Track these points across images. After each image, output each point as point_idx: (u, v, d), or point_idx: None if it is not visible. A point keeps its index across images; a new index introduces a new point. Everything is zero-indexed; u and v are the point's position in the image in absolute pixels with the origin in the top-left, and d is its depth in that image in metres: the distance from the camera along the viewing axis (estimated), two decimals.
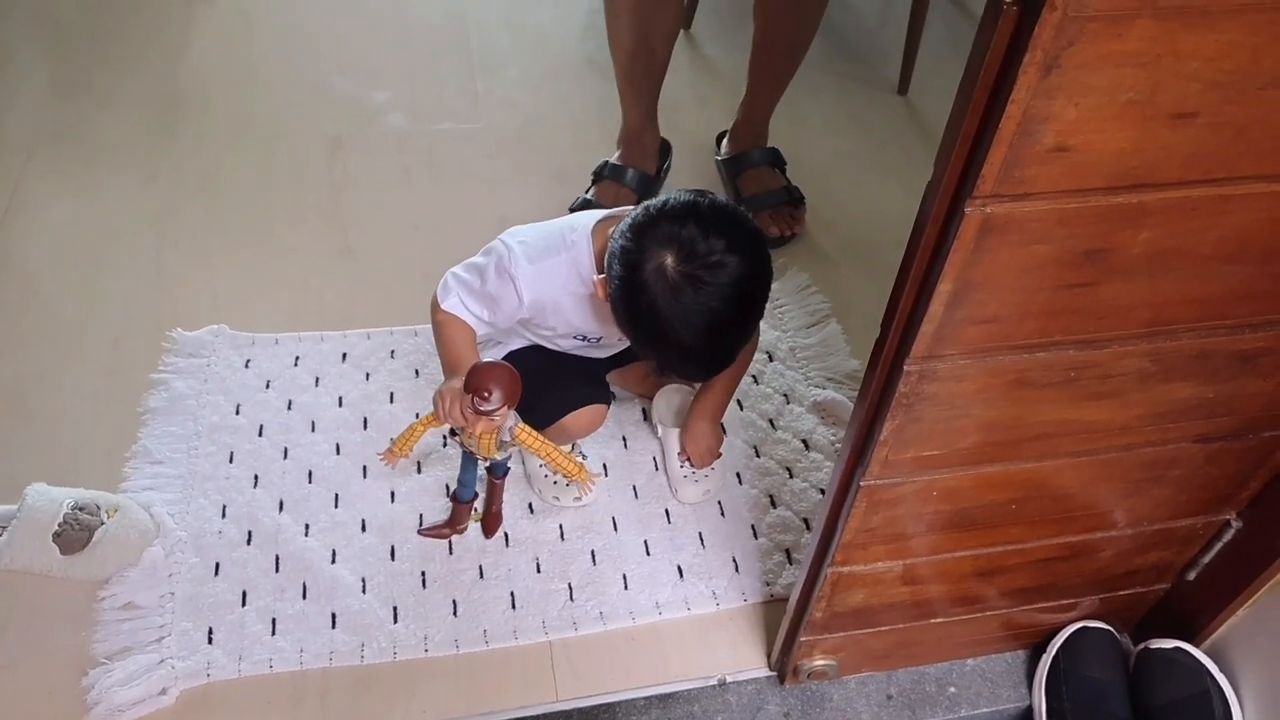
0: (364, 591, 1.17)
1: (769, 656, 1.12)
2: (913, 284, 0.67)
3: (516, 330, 1.21)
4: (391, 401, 1.39)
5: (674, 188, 1.01)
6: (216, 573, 1.17)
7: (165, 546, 1.19)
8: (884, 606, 0.99)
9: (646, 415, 1.39)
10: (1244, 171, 0.60)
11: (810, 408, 1.41)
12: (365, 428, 1.35)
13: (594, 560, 1.22)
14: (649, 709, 1.08)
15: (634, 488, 1.30)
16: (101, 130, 1.85)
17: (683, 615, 1.17)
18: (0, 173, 1.73)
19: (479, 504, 1.25)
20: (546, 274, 1.07)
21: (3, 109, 1.89)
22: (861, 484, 0.80)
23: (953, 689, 1.11)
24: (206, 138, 1.85)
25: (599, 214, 1.09)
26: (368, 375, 1.42)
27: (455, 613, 1.15)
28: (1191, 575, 1.03)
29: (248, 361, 1.43)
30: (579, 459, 1.30)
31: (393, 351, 1.46)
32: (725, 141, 1.80)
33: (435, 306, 1.12)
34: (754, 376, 1.45)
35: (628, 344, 1.17)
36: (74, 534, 1.13)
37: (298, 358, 1.44)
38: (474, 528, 1.24)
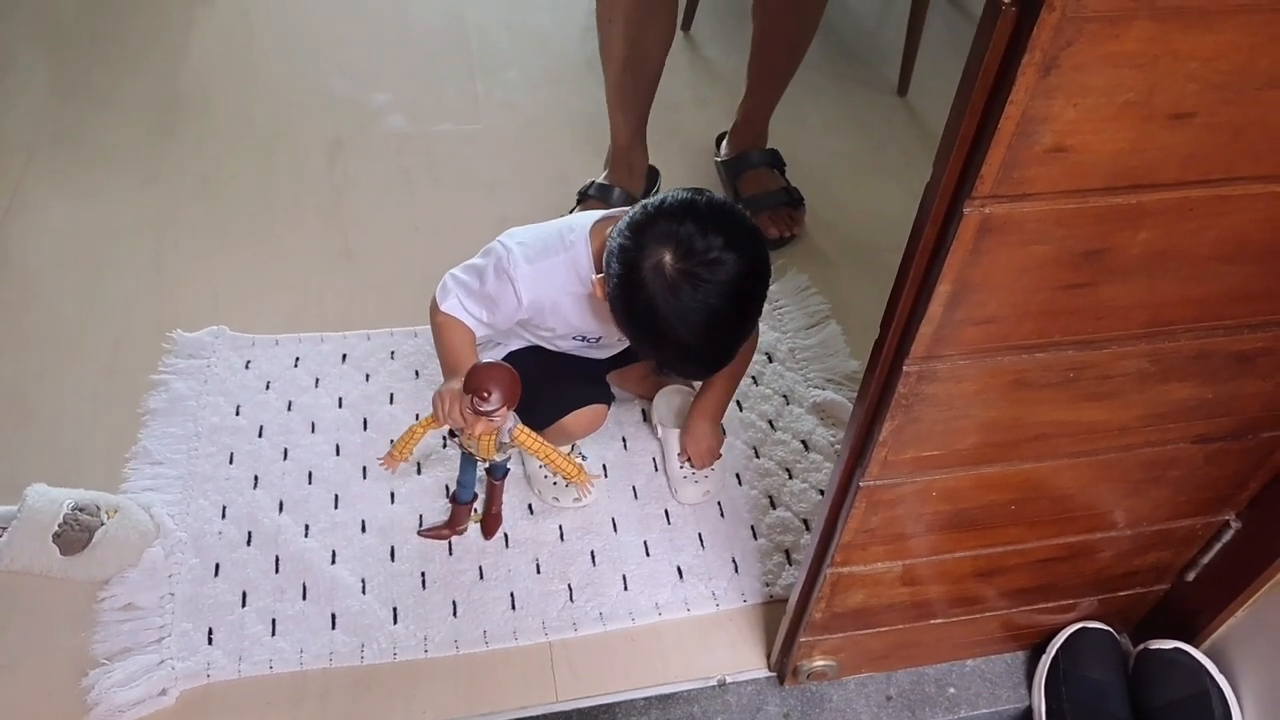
0: (364, 592, 1.17)
1: (769, 657, 1.12)
2: (912, 285, 0.67)
3: (516, 331, 1.21)
4: (391, 402, 1.39)
5: (673, 187, 1.01)
6: (216, 573, 1.17)
7: (165, 547, 1.19)
8: (883, 607, 0.99)
9: (646, 416, 1.39)
10: (1242, 172, 0.61)
11: (810, 409, 1.41)
12: (365, 429, 1.35)
13: (594, 561, 1.22)
14: (649, 710, 1.08)
15: (634, 488, 1.30)
16: (102, 132, 1.85)
17: (682, 616, 1.17)
18: (0, 174, 1.73)
19: (478, 505, 1.25)
20: (545, 274, 1.07)
21: (3, 110, 1.89)
22: (861, 484, 0.81)
23: (952, 690, 1.12)
24: (207, 139, 1.85)
25: (597, 214, 1.09)
26: (368, 376, 1.42)
27: (455, 613, 1.15)
28: (1191, 576, 1.03)
29: (248, 362, 1.43)
30: (578, 460, 1.30)
31: (393, 352, 1.46)
32: (725, 143, 1.80)
33: (434, 308, 1.12)
34: (753, 377, 1.45)
35: (627, 344, 1.17)
36: (74, 535, 1.13)
37: (298, 359, 1.44)
38: (473, 529, 1.24)
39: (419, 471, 1.30)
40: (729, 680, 1.11)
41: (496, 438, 1.05)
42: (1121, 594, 1.07)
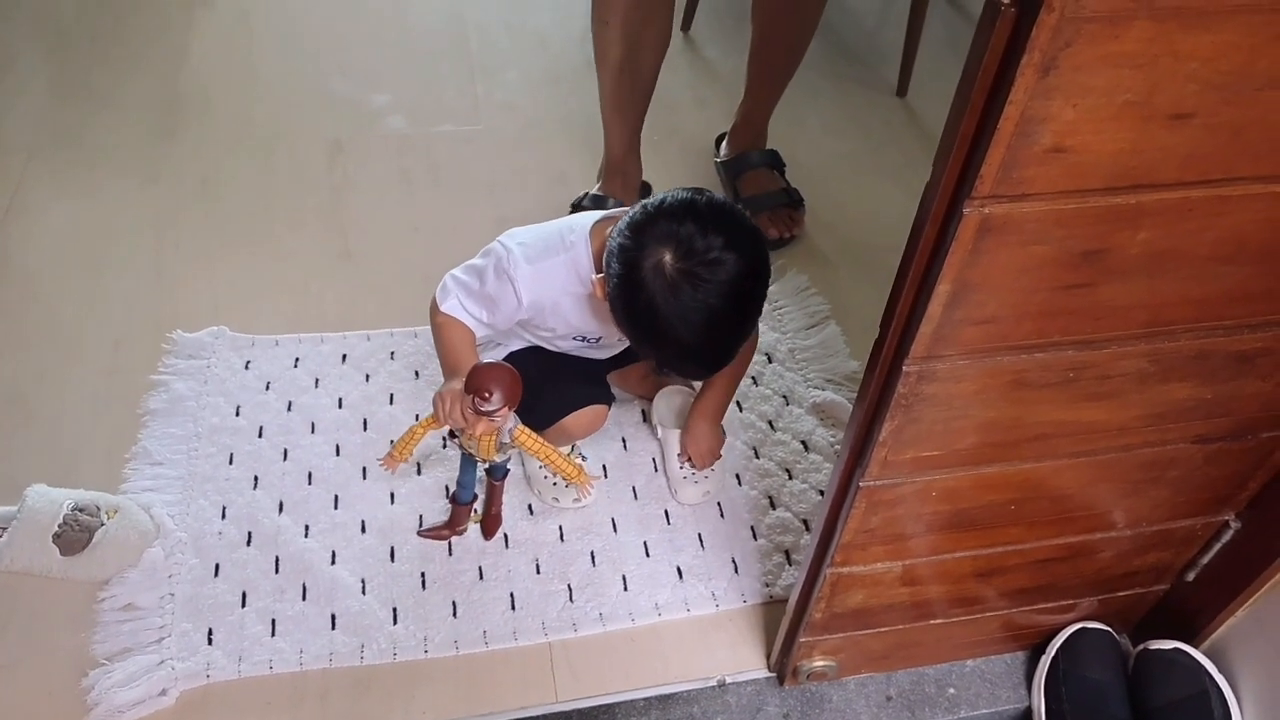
0: (364, 593, 1.17)
1: (768, 657, 1.12)
2: (911, 285, 0.67)
3: (516, 332, 1.21)
4: (391, 403, 1.39)
5: (672, 187, 1.01)
6: (216, 574, 1.17)
7: (165, 547, 1.19)
8: (883, 607, 0.99)
9: (646, 416, 1.39)
10: (1241, 172, 0.61)
11: (809, 409, 1.41)
12: (365, 429, 1.35)
13: (593, 561, 1.22)
14: (648, 710, 1.08)
15: (633, 489, 1.30)
16: (102, 133, 1.85)
17: (682, 616, 1.17)
18: (0, 175, 1.73)
19: (478, 505, 1.25)
20: (545, 274, 1.07)
21: (3, 111, 1.89)
22: (861, 485, 0.81)
23: (952, 690, 1.12)
24: (207, 140, 1.86)
25: (597, 214, 1.09)
26: (367, 377, 1.42)
27: (455, 614, 1.15)
28: (1190, 576, 1.03)
29: (248, 363, 1.43)
30: (578, 461, 1.30)
31: (392, 353, 1.46)
32: (724, 143, 1.80)
33: (434, 309, 1.12)
34: (753, 378, 1.45)
35: (627, 344, 1.17)
36: (74, 535, 1.13)
37: (297, 359, 1.44)
38: (473, 529, 1.24)
39: (419, 472, 1.31)
40: (729, 680, 1.11)
41: (497, 438, 1.05)
42: (1121, 594, 1.07)
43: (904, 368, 0.70)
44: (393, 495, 1.27)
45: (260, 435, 1.33)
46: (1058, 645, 1.09)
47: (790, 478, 1.33)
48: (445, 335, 1.11)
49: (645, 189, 1.71)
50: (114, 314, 1.49)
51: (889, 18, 2.37)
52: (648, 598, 1.18)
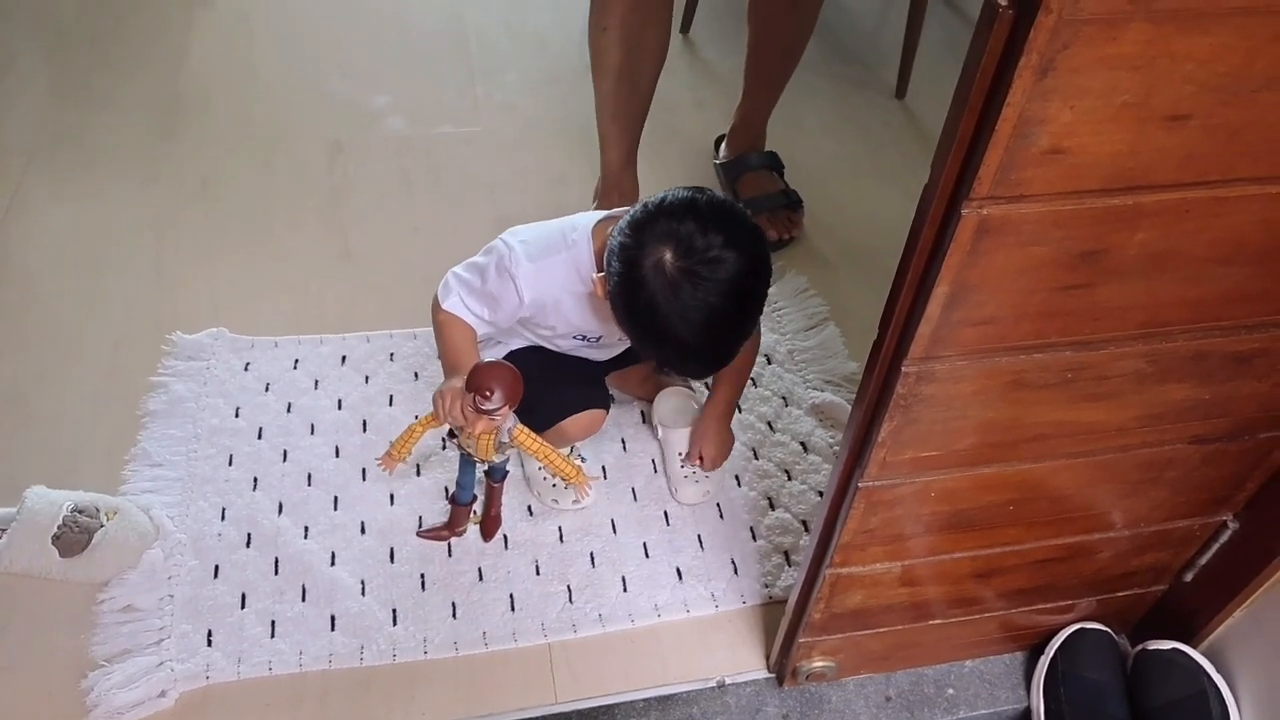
0: (363, 594, 1.17)
1: (768, 658, 1.13)
2: (910, 286, 0.67)
3: (517, 330, 1.21)
4: (391, 404, 1.39)
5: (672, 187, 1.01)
6: (216, 575, 1.17)
7: (164, 549, 1.19)
8: (882, 608, 0.99)
9: (645, 418, 1.39)
10: (1238, 173, 0.61)
11: (808, 410, 1.41)
12: (364, 430, 1.35)
13: (593, 562, 1.22)
14: (648, 711, 1.08)
15: (633, 490, 1.30)
16: (102, 133, 1.85)
17: (681, 617, 1.17)
18: (1, 175, 1.73)
19: (478, 507, 1.25)
20: (547, 273, 1.07)
21: (3, 112, 1.89)
22: (860, 485, 0.81)
23: (951, 690, 1.12)
24: (206, 141, 1.86)
25: (600, 214, 1.09)
26: (367, 378, 1.43)
27: (454, 615, 1.16)
28: (1189, 576, 1.03)
29: (247, 364, 1.43)
30: (577, 462, 1.30)
31: (392, 354, 1.46)
32: (723, 145, 1.80)
33: (436, 306, 1.13)
34: (752, 380, 1.45)
35: (628, 345, 1.17)
36: (73, 536, 1.13)
37: (297, 360, 1.44)
38: (473, 531, 1.24)
39: (418, 473, 1.31)
40: (728, 681, 1.11)
41: (496, 437, 1.06)
42: (1120, 595, 1.07)
43: (903, 368, 0.70)
44: (392, 497, 1.27)
45: (260, 437, 1.33)
46: (1056, 646, 1.09)
47: (789, 479, 1.33)
48: (446, 333, 1.12)
49: None
50: (114, 315, 1.49)
51: (888, 19, 2.37)
52: (647, 599, 1.18)
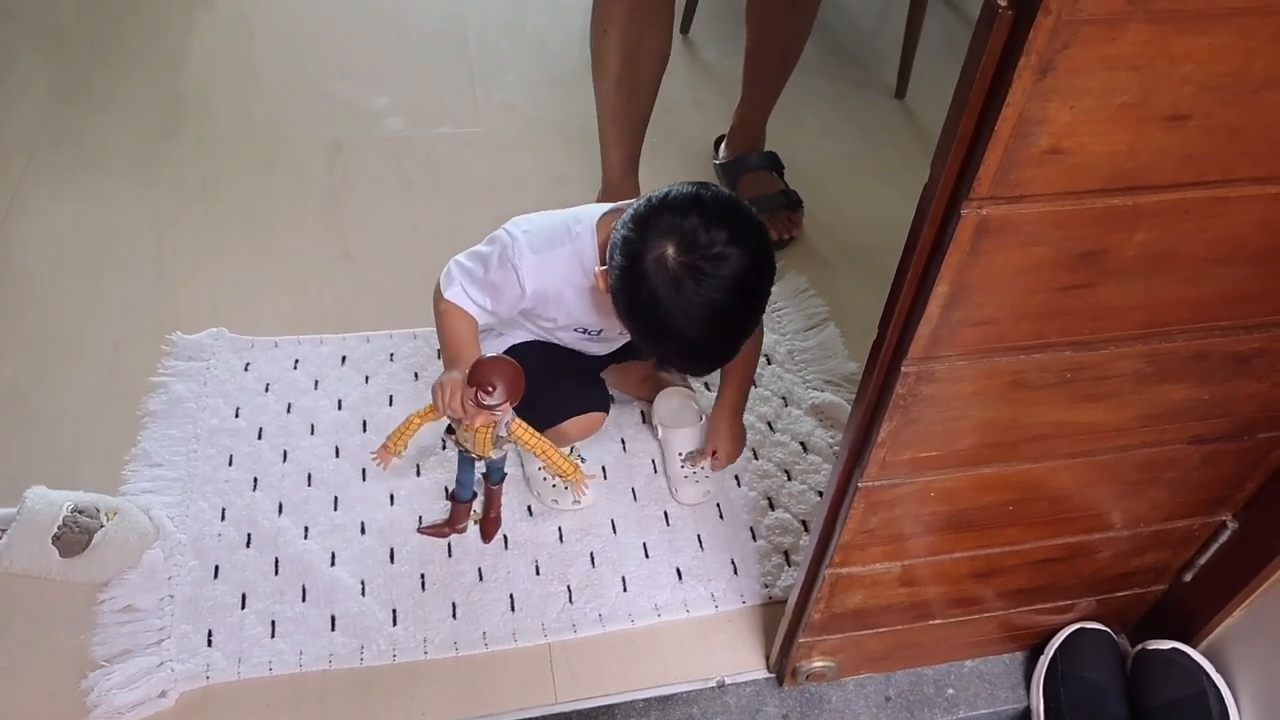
0: (363, 594, 1.17)
1: (768, 658, 1.13)
2: (910, 286, 0.67)
3: (518, 320, 1.20)
4: (391, 404, 1.39)
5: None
6: (216, 575, 1.17)
7: (165, 549, 1.19)
8: (882, 608, 0.99)
9: (645, 418, 1.39)
10: (1238, 174, 0.61)
11: (808, 410, 1.41)
12: (364, 430, 1.35)
13: (593, 563, 1.22)
14: (648, 711, 1.08)
15: (633, 490, 1.30)
16: (102, 134, 1.85)
17: (681, 617, 1.17)
18: (1, 176, 1.73)
19: (478, 505, 1.25)
20: (550, 265, 1.07)
21: (3, 113, 1.89)
22: (859, 485, 0.81)
23: (951, 690, 1.12)
24: (206, 142, 1.86)
25: (605, 206, 1.08)
26: (367, 378, 1.43)
27: (454, 615, 1.16)
28: (1188, 576, 1.04)
29: (247, 365, 1.43)
30: (576, 461, 1.30)
31: (392, 355, 1.46)
32: (723, 146, 1.80)
33: (438, 295, 1.12)
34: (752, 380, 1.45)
35: (628, 338, 1.17)
36: (73, 537, 1.13)
37: (297, 361, 1.44)
38: (473, 530, 1.24)
39: (418, 473, 1.31)
40: (728, 681, 1.11)
41: (494, 431, 1.05)
42: (1119, 594, 1.07)
43: (902, 369, 0.70)
44: (392, 497, 1.27)
45: (260, 437, 1.33)
46: (1056, 645, 1.09)
47: (789, 479, 1.33)
48: (448, 323, 1.11)
49: None
50: (114, 315, 1.49)
51: (887, 20, 2.37)
52: (647, 599, 1.18)
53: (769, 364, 1.48)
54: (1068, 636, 1.09)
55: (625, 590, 1.19)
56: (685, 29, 2.20)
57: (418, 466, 1.31)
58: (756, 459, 1.35)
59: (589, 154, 1.77)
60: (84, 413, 1.35)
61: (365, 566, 1.20)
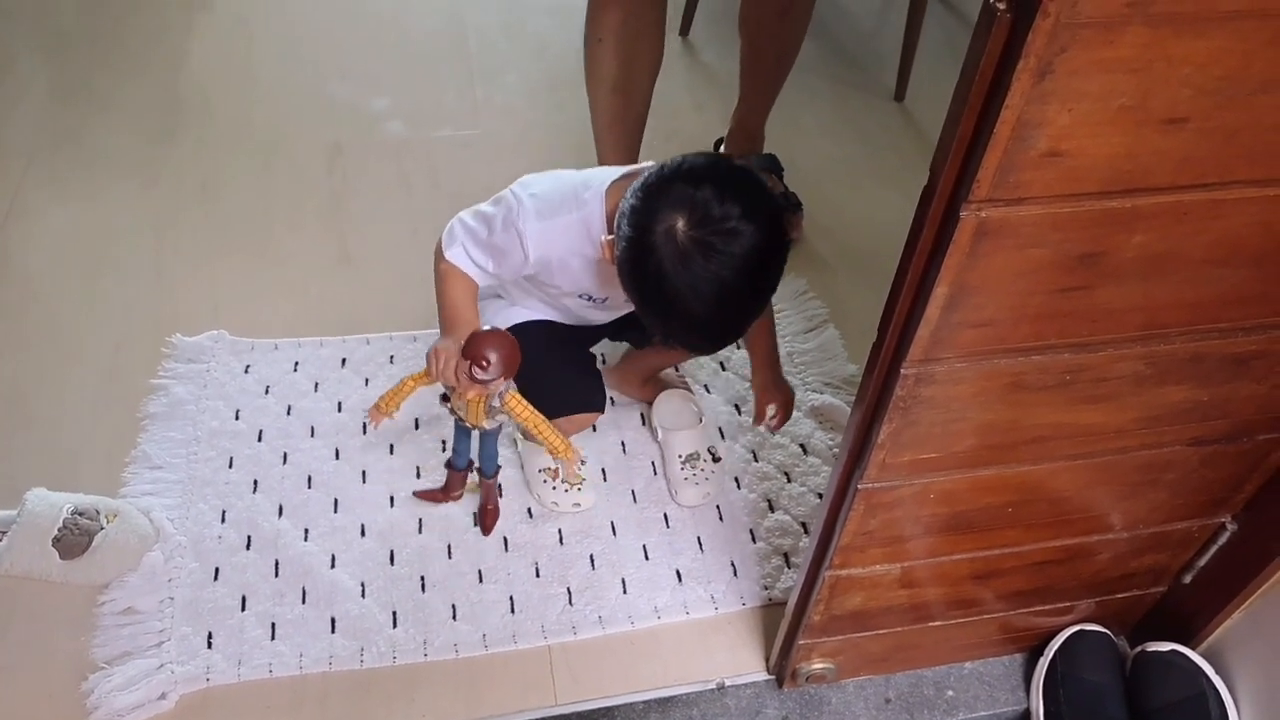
0: (363, 596, 1.17)
1: (767, 660, 1.13)
2: (909, 287, 0.67)
3: (521, 284, 1.17)
4: None
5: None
6: (216, 577, 1.17)
7: (165, 551, 1.19)
8: (882, 609, 0.99)
9: (645, 420, 1.40)
10: (1235, 176, 0.61)
11: (808, 412, 1.41)
12: (364, 433, 1.35)
13: (593, 565, 1.22)
14: (648, 713, 1.08)
15: (633, 492, 1.31)
16: (102, 136, 1.86)
17: (681, 619, 1.17)
18: (1, 177, 1.73)
19: (474, 476, 1.24)
20: (555, 232, 1.02)
21: (3, 114, 1.89)
22: (859, 487, 0.81)
23: (951, 692, 1.12)
24: (206, 143, 1.86)
25: (615, 172, 1.04)
26: (367, 380, 1.43)
27: (454, 617, 1.16)
28: (1188, 578, 1.04)
29: (247, 367, 1.43)
30: (570, 441, 1.29)
31: (392, 357, 1.46)
32: (722, 148, 1.80)
33: (439, 254, 1.08)
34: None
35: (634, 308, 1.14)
36: (74, 539, 1.13)
37: (297, 363, 1.44)
38: (473, 530, 1.24)
39: (418, 475, 1.31)
40: (728, 683, 1.11)
41: (487, 401, 1.03)
42: (1119, 596, 1.07)
43: (902, 370, 0.70)
44: (392, 499, 1.28)
45: (260, 439, 1.33)
46: (1056, 647, 1.09)
47: (789, 481, 1.33)
48: (447, 286, 1.07)
49: None
50: (114, 317, 1.50)
51: (886, 22, 2.38)
52: (647, 601, 1.18)
53: None
54: (1067, 638, 1.09)
55: (625, 592, 1.19)
56: (684, 31, 2.21)
57: (418, 469, 1.31)
58: (756, 461, 1.35)
59: (588, 156, 1.76)
60: (84, 414, 1.35)
61: (365, 568, 1.20)
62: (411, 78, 2.07)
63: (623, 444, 1.36)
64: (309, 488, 1.28)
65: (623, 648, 1.15)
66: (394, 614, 1.15)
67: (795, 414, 1.40)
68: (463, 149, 1.89)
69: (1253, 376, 0.78)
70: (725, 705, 1.09)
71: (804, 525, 1.27)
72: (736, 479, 1.33)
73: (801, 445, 1.37)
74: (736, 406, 1.42)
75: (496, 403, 1.04)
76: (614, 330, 1.28)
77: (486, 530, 1.23)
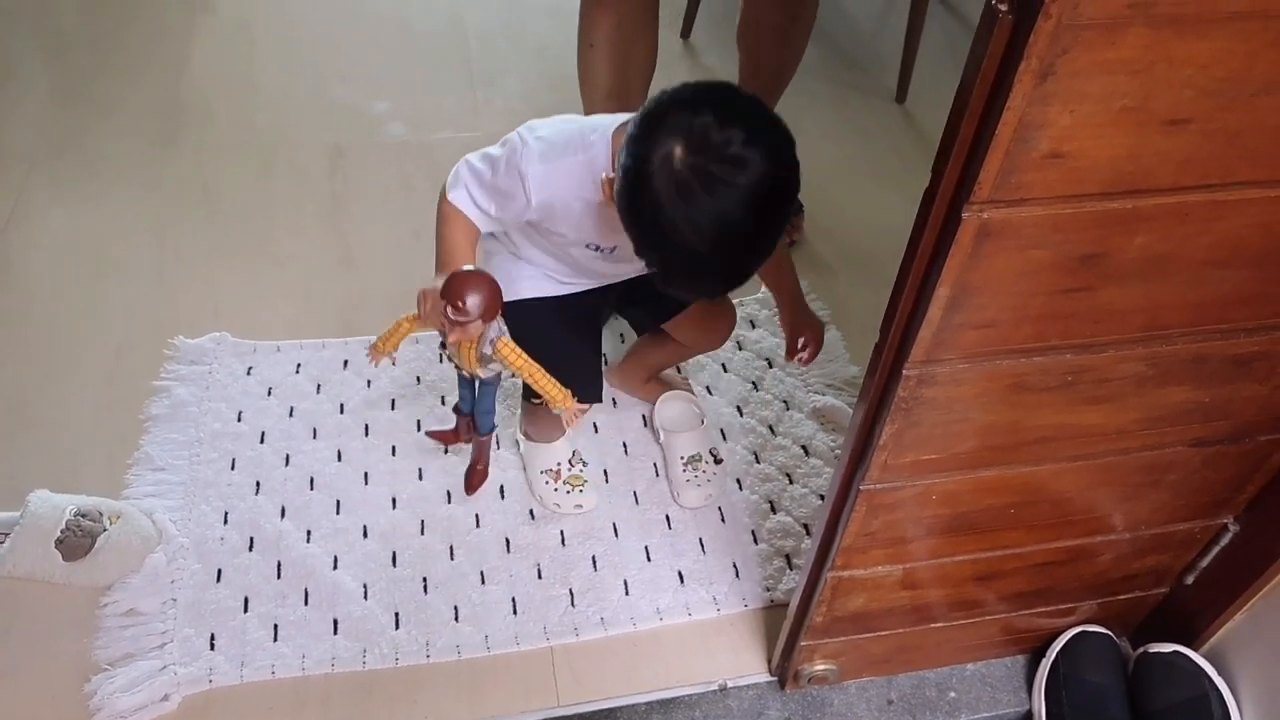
0: (365, 597, 1.17)
1: (770, 661, 1.13)
2: (911, 289, 0.67)
3: (526, 232, 1.11)
4: (393, 408, 1.39)
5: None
6: (219, 579, 1.18)
7: (167, 553, 1.19)
8: (884, 611, 0.99)
9: (647, 421, 1.40)
10: (1237, 177, 0.61)
11: (810, 414, 1.41)
12: (366, 434, 1.36)
13: (595, 566, 1.22)
14: (650, 714, 1.08)
15: (635, 494, 1.31)
16: (103, 140, 1.86)
17: (684, 620, 1.17)
18: (2, 182, 1.73)
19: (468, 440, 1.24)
20: (558, 175, 0.98)
21: (5, 119, 1.90)
22: (861, 488, 0.81)
23: (953, 694, 1.12)
24: (208, 147, 1.86)
25: (624, 116, 0.98)
26: (369, 382, 1.43)
27: (457, 618, 1.16)
28: (1190, 579, 1.04)
29: (249, 369, 1.43)
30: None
31: (394, 358, 1.46)
32: None
33: (442, 196, 1.05)
34: (754, 383, 1.46)
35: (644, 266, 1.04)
36: (76, 540, 1.13)
37: (299, 365, 1.44)
38: (474, 531, 1.24)
39: (420, 477, 1.31)
40: (730, 685, 1.11)
41: (478, 348, 1.00)
42: (1121, 597, 1.07)
43: (904, 372, 0.71)
44: (394, 500, 1.28)
45: (262, 441, 1.34)
46: (1058, 649, 1.09)
47: (791, 482, 1.33)
48: (446, 229, 1.03)
49: None
50: (115, 320, 1.50)
51: (887, 24, 2.38)
52: (649, 602, 1.18)
53: (770, 367, 1.48)
54: (1069, 639, 1.09)
55: (627, 593, 1.19)
56: (685, 34, 2.21)
57: (419, 470, 1.31)
58: (759, 462, 1.36)
59: None
60: (87, 416, 1.35)
61: (367, 570, 1.20)
62: (412, 80, 2.07)
63: (625, 446, 1.36)
64: (311, 489, 1.28)
65: (625, 649, 1.15)
66: (396, 615, 1.15)
67: (797, 415, 1.41)
68: (463, 151, 1.85)
69: (1254, 377, 0.78)
70: (727, 706, 1.10)
71: (806, 527, 1.27)
72: (738, 480, 1.33)
73: (803, 447, 1.37)
74: (738, 408, 1.42)
75: (488, 349, 1.00)
76: (618, 300, 1.23)
77: (470, 489, 1.21)
